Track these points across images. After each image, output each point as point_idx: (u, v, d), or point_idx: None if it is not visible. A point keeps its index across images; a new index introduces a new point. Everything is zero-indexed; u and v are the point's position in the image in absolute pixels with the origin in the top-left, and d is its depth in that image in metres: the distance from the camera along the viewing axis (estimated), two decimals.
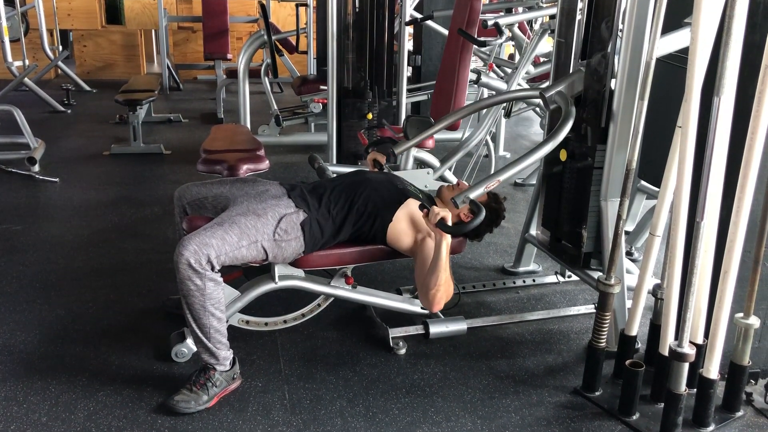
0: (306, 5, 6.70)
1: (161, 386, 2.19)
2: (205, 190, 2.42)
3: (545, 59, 4.77)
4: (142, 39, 8.62)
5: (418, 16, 5.54)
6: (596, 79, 2.44)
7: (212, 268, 2.04)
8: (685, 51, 1.99)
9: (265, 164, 2.73)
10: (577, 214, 2.58)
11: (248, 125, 5.10)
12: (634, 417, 2.11)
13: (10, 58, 6.06)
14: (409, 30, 5.74)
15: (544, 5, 4.17)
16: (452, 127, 3.17)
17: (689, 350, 1.95)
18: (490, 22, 3.71)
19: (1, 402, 2.10)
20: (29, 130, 4.74)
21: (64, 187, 4.24)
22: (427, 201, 2.46)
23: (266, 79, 5.76)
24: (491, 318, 2.72)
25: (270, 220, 2.18)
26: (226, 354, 2.14)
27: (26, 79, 6.25)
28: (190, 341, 2.30)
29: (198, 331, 2.08)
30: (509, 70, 4.73)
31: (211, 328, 2.08)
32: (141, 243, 3.38)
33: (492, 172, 4.17)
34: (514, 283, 3.07)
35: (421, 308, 2.50)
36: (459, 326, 2.54)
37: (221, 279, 2.09)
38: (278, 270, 2.34)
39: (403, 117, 4.08)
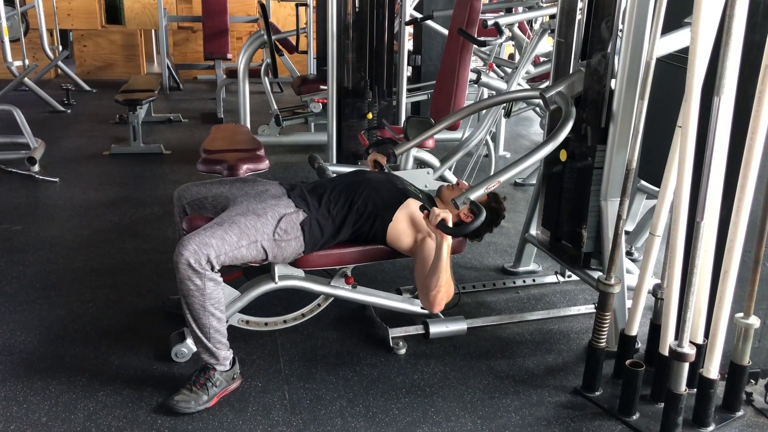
0: (306, 5, 6.70)
1: (161, 386, 2.19)
2: (204, 190, 2.42)
3: (545, 59, 4.77)
4: (142, 39, 8.62)
5: (418, 15, 5.54)
6: (596, 79, 2.44)
7: (212, 268, 2.04)
8: (685, 51, 1.99)
9: (265, 164, 2.73)
10: (577, 214, 2.58)
11: (248, 125, 5.10)
12: (634, 417, 2.11)
13: (10, 58, 6.07)
14: (409, 30, 5.74)
15: (544, 5, 4.17)
16: (452, 127, 3.17)
17: (689, 350, 1.95)
18: (490, 22, 3.71)
19: (1, 402, 2.10)
20: (29, 130, 4.74)
21: (64, 187, 4.24)
22: (427, 201, 2.46)
23: (266, 78, 5.75)
24: (491, 318, 2.72)
25: (270, 219, 2.18)
26: (226, 354, 2.14)
27: (26, 79, 6.25)
28: (189, 341, 2.30)
29: (198, 331, 2.08)
30: (509, 70, 4.73)
31: (211, 328, 2.08)
32: (141, 243, 3.38)
33: (492, 171, 4.20)
34: (514, 283, 3.07)
35: (421, 308, 2.50)
36: (459, 326, 2.54)
37: (221, 279, 2.09)
38: (278, 270, 2.34)
39: (403, 117, 4.08)
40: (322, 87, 4.96)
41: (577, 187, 2.58)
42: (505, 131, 5.40)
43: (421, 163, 3.55)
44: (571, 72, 2.62)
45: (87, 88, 7.47)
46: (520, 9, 4.65)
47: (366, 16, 4.08)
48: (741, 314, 2.06)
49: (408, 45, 5.79)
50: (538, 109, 5.19)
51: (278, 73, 5.42)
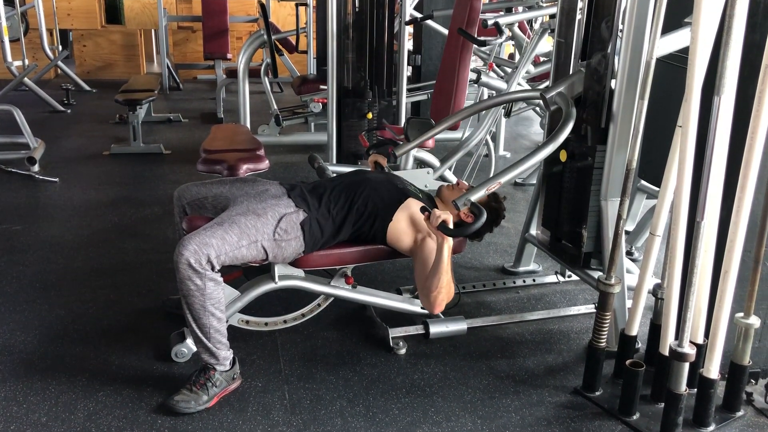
0: (306, 5, 6.70)
1: (161, 386, 2.19)
2: (204, 190, 2.42)
3: (545, 59, 4.77)
4: (142, 39, 8.62)
5: (418, 15, 5.53)
6: (596, 80, 2.44)
7: (212, 268, 2.04)
8: (685, 51, 1.99)
9: (264, 164, 2.73)
10: (578, 214, 2.58)
11: (248, 125, 5.10)
12: (635, 417, 2.11)
13: (9, 58, 6.07)
14: (409, 29, 5.74)
15: (544, 5, 4.17)
16: (452, 127, 3.17)
17: (689, 350, 1.95)
18: (490, 22, 3.71)
19: (1, 402, 2.10)
20: (29, 130, 4.74)
21: (63, 187, 4.24)
22: (427, 201, 2.46)
23: (266, 78, 5.75)
24: (491, 318, 2.72)
25: (270, 219, 2.18)
26: (226, 354, 2.14)
27: (26, 78, 6.25)
28: (190, 341, 2.30)
29: (198, 331, 2.08)
30: (509, 70, 4.73)
31: (211, 328, 2.08)
32: (141, 243, 3.38)
33: (492, 171, 4.20)
34: (514, 283, 3.07)
35: (421, 308, 2.50)
36: (459, 326, 2.54)
37: (221, 279, 2.09)
38: (278, 270, 2.34)
39: (403, 116, 4.08)
40: (322, 87, 4.96)
41: (577, 187, 2.58)
42: (505, 131, 5.40)
43: (421, 163, 3.55)
44: (571, 72, 2.62)
45: (87, 88, 7.47)
46: (520, 9, 4.65)
47: (366, 16, 4.08)
48: (741, 314, 2.06)
49: (408, 45, 5.79)
50: (538, 109, 5.19)
51: (278, 73, 5.42)
